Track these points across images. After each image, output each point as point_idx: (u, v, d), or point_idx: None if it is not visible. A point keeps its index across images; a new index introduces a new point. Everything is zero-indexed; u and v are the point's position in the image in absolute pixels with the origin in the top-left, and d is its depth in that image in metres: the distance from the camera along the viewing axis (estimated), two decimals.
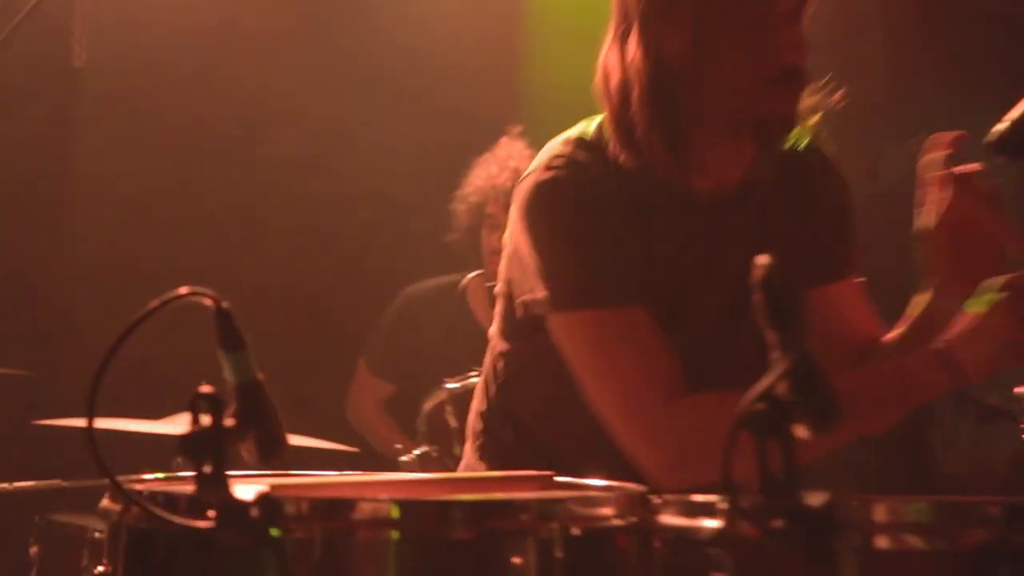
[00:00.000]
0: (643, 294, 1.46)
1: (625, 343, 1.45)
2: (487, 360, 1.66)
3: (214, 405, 1.00)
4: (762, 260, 0.95)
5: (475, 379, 2.57)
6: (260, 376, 1.07)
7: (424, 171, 3.63)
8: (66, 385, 3.15)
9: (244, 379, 1.06)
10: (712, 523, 1.02)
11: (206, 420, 1.00)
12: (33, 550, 2.57)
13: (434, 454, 2.73)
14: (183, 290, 1.04)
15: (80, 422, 2.49)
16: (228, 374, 1.06)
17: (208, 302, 1.04)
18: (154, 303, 1.03)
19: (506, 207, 3.00)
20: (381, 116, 3.73)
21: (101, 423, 2.48)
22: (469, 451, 1.68)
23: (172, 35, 3.58)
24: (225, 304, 1.04)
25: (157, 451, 2.66)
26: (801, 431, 0.94)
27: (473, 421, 1.68)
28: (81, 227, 3.62)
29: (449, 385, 2.73)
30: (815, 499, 0.93)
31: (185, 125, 3.66)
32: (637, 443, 1.45)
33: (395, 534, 0.99)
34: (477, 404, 1.68)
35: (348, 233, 3.81)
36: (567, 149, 1.50)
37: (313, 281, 3.74)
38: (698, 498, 1.05)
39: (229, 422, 1.02)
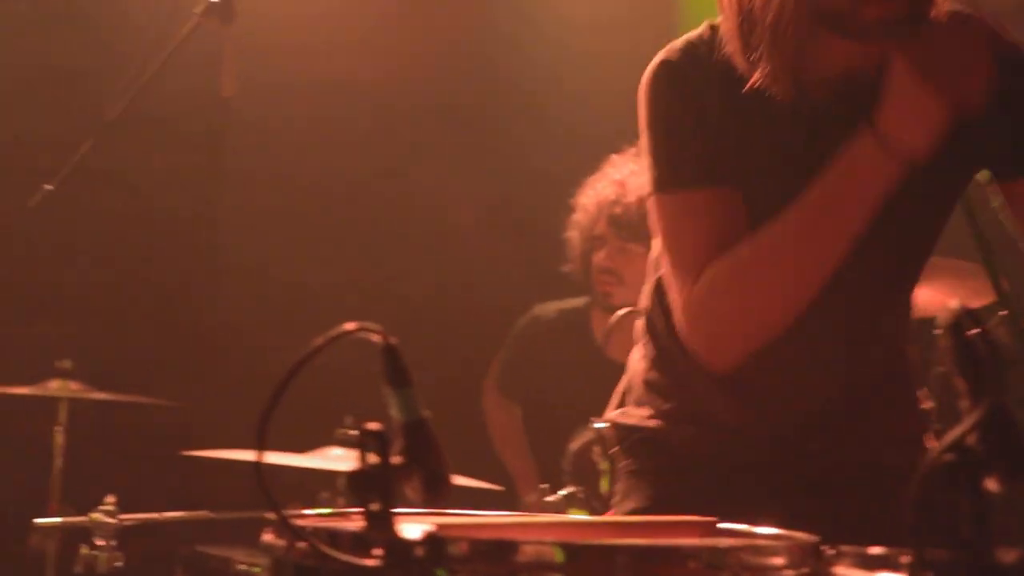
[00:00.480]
0: (736, 182, 1.49)
1: (698, 223, 1.49)
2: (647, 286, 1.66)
3: (382, 443, 1.00)
4: (952, 305, 0.91)
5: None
6: (426, 414, 1.06)
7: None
8: (214, 417, 3.25)
9: (411, 417, 1.06)
10: None
11: (373, 458, 0.99)
12: None
13: (580, 495, 2.72)
14: (351, 326, 1.04)
15: (227, 454, 2.60)
16: (394, 411, 1.06)
17: (376, 338, 1.04)
18: (322, 339, 1.04)
19: (611, 221, 3.08)
20: (531, 144, 3.79)
21: (246, 456, 2.57)
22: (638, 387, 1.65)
23: (320, 64, 3.70)
24: (393, 340, 1.05)
25: (297, 483, 2.80)
26: (992, 483, 0.90)
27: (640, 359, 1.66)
28: (233, 257, 3.75)
29: (597, 425, 2.70)
30: (1008, 555, 0.89)
31: (333, 153, 3.78)
32: (680, 324, 1.50)
33: None
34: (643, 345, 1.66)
35: (498, 260, 3.86)
36: (681, 44, 1.55)
37: (460, 315, 3.82)
38: (877, 551, 1.01)
39: (396, 460, 1.02)
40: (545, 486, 2.96)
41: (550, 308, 3.46)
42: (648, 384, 1.62)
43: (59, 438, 3.04)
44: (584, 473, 2.75)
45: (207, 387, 3.53)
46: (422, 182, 3.83)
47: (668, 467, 1.60)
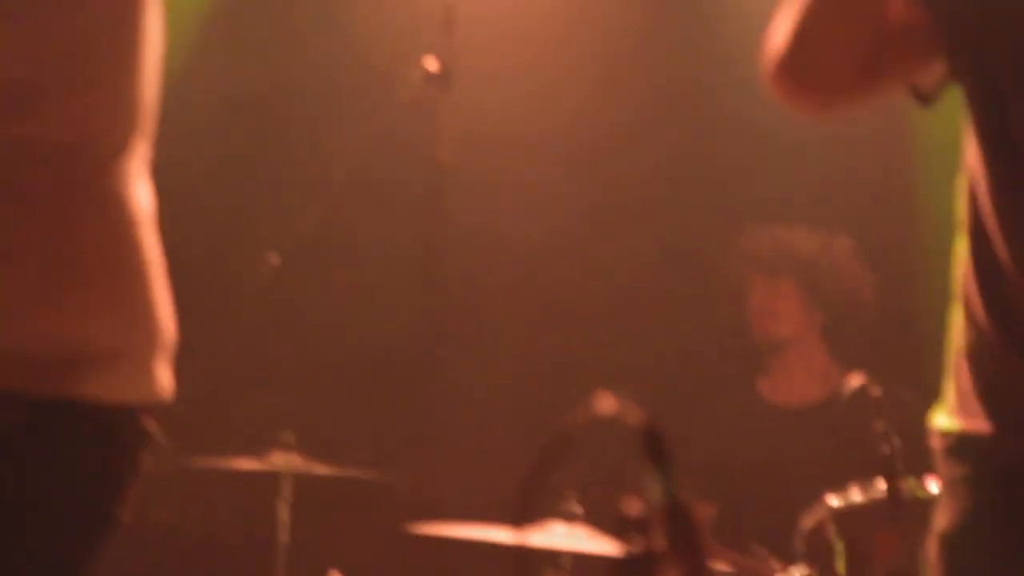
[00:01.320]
0: None
1: None
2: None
3: (646, 528, 1.00)
4: None
5: (858, 497, 2.66)
6: (686, 496, 1.05)
7: None
8: (440, 491, 3.41)
9: (671, 499, 1.05)
10: None
11: (637, 543, 1.00)
12: None
13: None
14: (608, 403, 1.03)
15: (456, 530, 2.68)
16: (654, 493, 1.05)
17: (635, 419, 1.03)
18: (577, 418, 1.03)
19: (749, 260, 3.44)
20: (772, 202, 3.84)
21: (474, 532, 2.60)
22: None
23: (536, 132, 3.87)
24: (655, 421, 1.04)
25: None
26: None
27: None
28: (453, 326, 3.87)
29: (832, 502, 2.70)
30: None
31: (554, 213, 3.91)
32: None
33: None
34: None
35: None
36: None
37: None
38: None
39: (659, 546, 1.02)
40: (775, 565, 2.98)
41: None
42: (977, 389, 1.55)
43: (283, 513, 3.15)
44: (818, 553, 2.74)
45: (433, 461, 3.68)
46: (647, 241, 3.92)
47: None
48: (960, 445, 1.56)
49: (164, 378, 1.64)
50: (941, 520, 1.55)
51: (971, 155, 1.54)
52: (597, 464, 2.84)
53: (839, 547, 2.65)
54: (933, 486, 2.41)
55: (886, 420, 2.58)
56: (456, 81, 3.21)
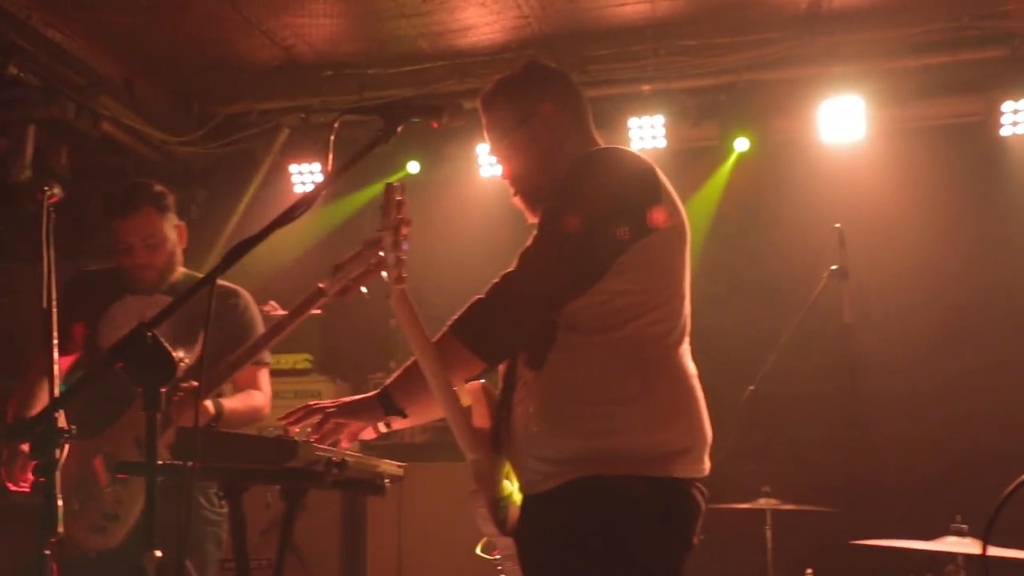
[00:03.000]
0: None
1: None
2: None
3: None
4: None
5: None
6: None
7: None
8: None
9: None
10: None
11: None
12: None
13: None
14: None
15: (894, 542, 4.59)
16: None
17: None
18: None
19: None
20: None
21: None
22: None
23: (911, 298, 6.09)
24: None
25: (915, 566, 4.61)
26: None
27: None
28: (870, 415, 5.95)
29: None
30: None
31: (929, 358, 6.07)
32: None
33: None
34: None
35: None
36: None
37: None
38: None
39: None
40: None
41: None
42: None
43: (767, 535, 5.17)
44: None
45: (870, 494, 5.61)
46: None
47: None
48: None
49: (707, 462, 2.45)
50: None
51: None
52: None
53: None
54: None
55: None
56: (852, 273, 5.03)
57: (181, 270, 3.96)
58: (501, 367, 2.64)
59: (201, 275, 3.88)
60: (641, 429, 2.39)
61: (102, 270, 3.91)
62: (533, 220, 2.72)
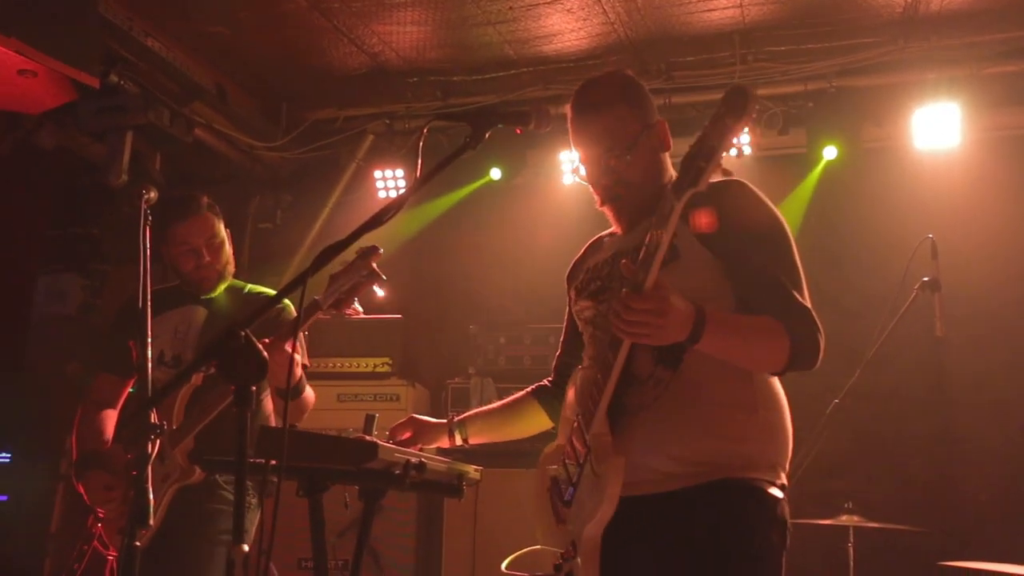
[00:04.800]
0: None
1: None
2: None
3: None
4: None
5: None
6: None
7: None
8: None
9: None
10: None
11: None
12: None
13: None
14: None
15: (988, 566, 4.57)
16: None
17: None
18: None
19: None
20: None
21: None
22: None
23: (997, 311, 6.03)
24: None
25: None
26: None
27: None
28: (959, 430, 5.90)
29: None
30: None
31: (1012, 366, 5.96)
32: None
33: None
34: None
35: None
36: None
37: None
38: None
39: None
40: None
41: None
42: None
43: (850, 553, 5.16)
44: None
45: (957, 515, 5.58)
46: None
47: None
48: None
49: (785, 474, 2.59)
50: None
51: None
52: None
53: None
54: None
55: None
56: (944, 285, 5.06)
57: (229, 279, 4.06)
58: (598, 362, 2.65)
59: (243, 285, 4.05)
60: (767, 438, 2.57)
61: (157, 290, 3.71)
62: (619, 231, 2.83)
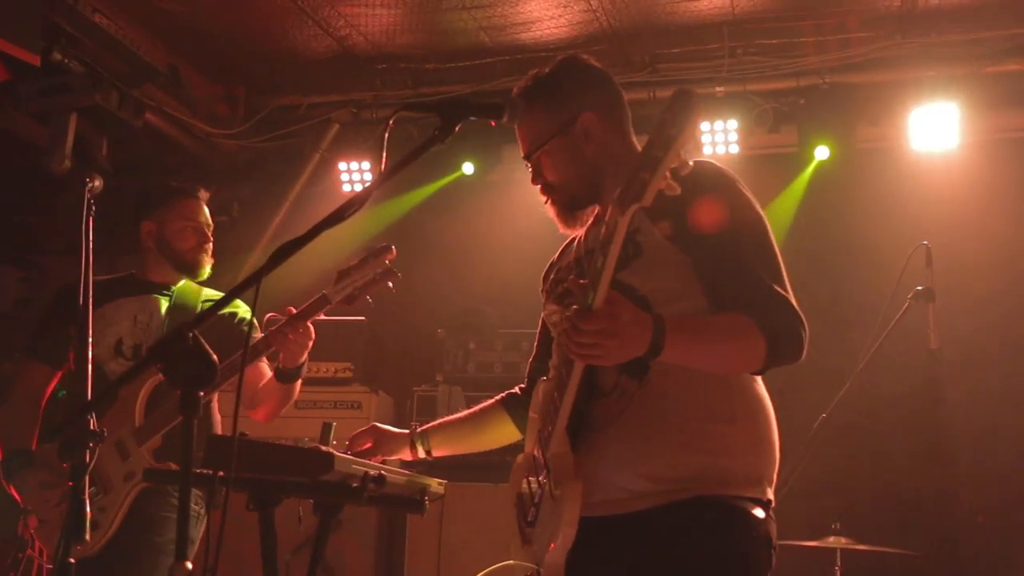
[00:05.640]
0: None
1: None
2: None
3: None
4: None
5: None
6: None
7: None
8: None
9: None
10: None
11: None
12: None
13: None
14: None
15: None
16: None
17: None
18: None
19: None
20: None
21: None
22: None
23: (994, 322, 5.95)
24: None
25: None
26: None
27: None
28: (952, 446, 5.94)
29: None
30: None
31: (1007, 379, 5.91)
32: None
33: None
34: None
35: None
36: None
37: None
38: None
39: None
40: None
41: None
42: None
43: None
44: None
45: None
46: None
47: None
48: None
49: (771, 489, 2.54)
50: None
51: None
52: None
53: None
54: None
55: None
56: (939, 294, 5.00)
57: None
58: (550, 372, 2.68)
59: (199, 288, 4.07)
60: (748, 450, 2.50)
61: (100, 281, 3.69)
62: (564, 231, 2.84)
